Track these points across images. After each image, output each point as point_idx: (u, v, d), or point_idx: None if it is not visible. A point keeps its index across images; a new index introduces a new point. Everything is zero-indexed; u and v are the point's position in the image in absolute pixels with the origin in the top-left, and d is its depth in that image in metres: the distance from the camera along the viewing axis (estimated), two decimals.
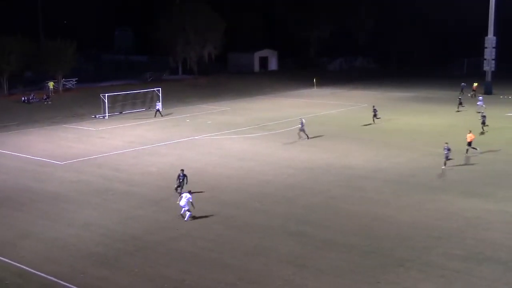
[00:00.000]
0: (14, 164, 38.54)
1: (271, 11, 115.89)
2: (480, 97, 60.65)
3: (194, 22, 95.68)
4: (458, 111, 58.75)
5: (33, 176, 35.43)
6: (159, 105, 58.94)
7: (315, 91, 79.57)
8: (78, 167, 37.60)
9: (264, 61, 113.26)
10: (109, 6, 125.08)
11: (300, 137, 44.93)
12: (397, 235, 25.12)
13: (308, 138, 44.69)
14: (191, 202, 26.90)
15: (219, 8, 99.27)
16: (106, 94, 59.27)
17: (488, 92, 71.97)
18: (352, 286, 20.37)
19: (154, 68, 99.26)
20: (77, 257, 23.02)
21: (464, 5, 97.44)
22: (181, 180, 30.66)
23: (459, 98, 60.92)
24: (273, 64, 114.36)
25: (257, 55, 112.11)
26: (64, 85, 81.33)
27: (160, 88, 64.45)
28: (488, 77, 73.72)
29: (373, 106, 53.80)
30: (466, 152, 39.01)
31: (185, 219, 27.00)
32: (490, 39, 72.86)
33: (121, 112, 60.84)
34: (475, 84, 70.79)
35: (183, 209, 27.10)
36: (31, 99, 70.24)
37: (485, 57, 73.96)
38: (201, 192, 30.77)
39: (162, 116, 57.75)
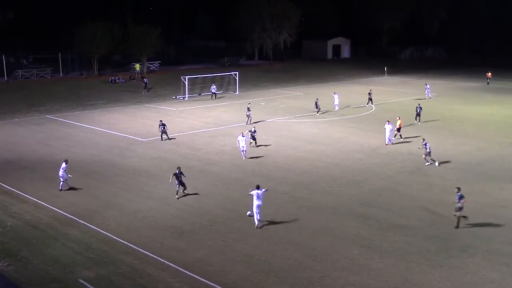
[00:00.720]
0: (101, 140, 41.26)
1: (345, 0, 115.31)
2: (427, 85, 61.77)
3: (271, 10, 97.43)
4: None
5: (118, 151, 37.82)
6: (214, 88, 60.77)
7: (385, 79, 79.43)
8: (158, 144, 39.77)
9: (337, 49, 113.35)
10: None
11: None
12: (461, 221, 25.37)
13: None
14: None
15: None
16: (187, 77, 61.66)
17: None
18: (415, 268, 20.96)
19: (232, 53, 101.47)
20: (156, 228, 24.67)
21: None
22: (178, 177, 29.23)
23: None
24: (345, 52, 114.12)
25: (331, 43, 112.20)
26: (148, 67, 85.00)
27: (237, 72, 66.39)
28: None
29: (369, 91, 56.65)
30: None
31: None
32: None
33: (200, 94, 63.03)
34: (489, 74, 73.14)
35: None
36: (118, 79, 74.16)
37: None
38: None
39: (216, 98, 59.72)
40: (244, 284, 19.83)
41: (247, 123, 46.24)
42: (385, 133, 39.68)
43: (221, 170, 33.51)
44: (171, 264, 21.20)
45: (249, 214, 25.72)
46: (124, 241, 23.25)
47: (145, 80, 66.95)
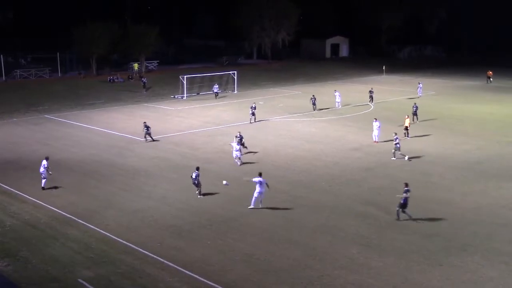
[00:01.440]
0: (100, 139, 41.24)
1: None
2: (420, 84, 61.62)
3: (270, 10, 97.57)
4: None
5: (117, 151, 37.81)
6: (216, 88, 60.82)
7: (384, 78, 79.52)
8: (157, 144, 39.76)
9: (335, 48, 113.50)
10: None
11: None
12: (460, 220, 25.48)
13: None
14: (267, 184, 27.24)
15: None
16: (185, 76, 61.66)
17: None
18: (414, 267, 20.98)
19: (231, 53, 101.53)
20: (155, 228, 24.66)
21: None
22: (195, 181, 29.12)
23: None
24: (344, 51, 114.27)
25: (329, 42, 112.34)
26: (146, 66, 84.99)
27: (235, 72, 66.36)
28: None
29: (371, 89, 57.23)
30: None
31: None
32: None
33: (198, 93, 63.04)
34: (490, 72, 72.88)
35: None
36: (116, 79, 74.17)
37: None
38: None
39: (217, 97, 59.77)
40: (244, 284, 19.84)
41: (250, 122, 46.74)
42: (373, 131, 39.87)
43: (220, 170, 33.51)
44: (170, 264, 21.19)
45: (225, 183, 27.99)
46: (124, 240, 23.25)
47: (144, 79, 66.91)
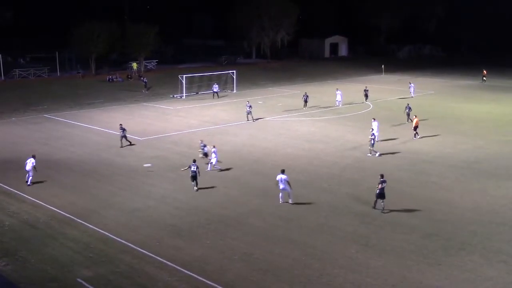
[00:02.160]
0: (99, 139, 41.23)
1: None
2: (412, 84, 61.47)
3: (269, 9, 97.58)
4: None
5: (116, 151, 37.81)
6: (216, 88, 60.82)
7: (383, 77, 79.60)
8: (156, 143, 39.77)
9: (334, 47, 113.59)
10: None
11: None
12: (459, 219, 25.50)
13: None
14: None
15: None
16: (184, 76, 61.67)
17: None
18: (413, 266, 20.99)
19: (230, 52, 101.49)
20: (154, 227, 24.66)
21: None
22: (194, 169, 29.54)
23: None
24: (343, 51, 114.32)
25: (328, 41, 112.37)
26: (145, 66, 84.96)
27: (234, 71, 66.37)
28: None
29: (365, 87, 57.54)
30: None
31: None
32: None
33: (197, 93, 63.04)
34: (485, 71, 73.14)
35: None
36: (115, 78, 74.16)
37: None
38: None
39: (218, 97, 59.67)
40: (243, 283, 19.85)
41: (248, 120, 46.89)
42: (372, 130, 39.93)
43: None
44: (169, 263, 21.19)
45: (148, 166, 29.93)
46: (123, 240, 23.26)
47: (144, 79, 66.89)
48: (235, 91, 64.60)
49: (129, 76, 77.19)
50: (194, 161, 29.85)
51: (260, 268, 20.87)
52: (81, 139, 41.03)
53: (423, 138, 40.92)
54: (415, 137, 40.62)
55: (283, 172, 27.45)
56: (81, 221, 25.19)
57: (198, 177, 29.30)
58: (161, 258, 21.61)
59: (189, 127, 45.18)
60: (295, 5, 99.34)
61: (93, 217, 25.71)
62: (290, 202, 27.43)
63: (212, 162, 32.82)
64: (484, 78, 73.12)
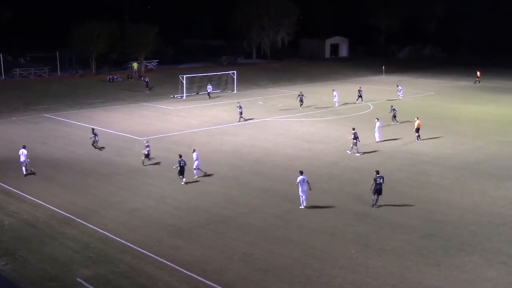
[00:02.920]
0: (99, 139, 41.07)
1: None
2: (400, 87, 61.18)
3: (269, 9, 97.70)
4: None
5: (116, 150, 37.83)
6: (209, 88, 60.80)
7: (383, 78, 79.59)
8: (156, 143, 39.69)
9: (335, 48, 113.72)
10: None
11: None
12: (459, 220, 25.50)
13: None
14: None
15: None
16: (184, 76, 61.68)
17: None
18: (413, 267, 20.99)
19: (230, 52, 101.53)
20: (154, 227, 24.65)
21: None
22: (181, 165, 30.32)
23: None
24: (343, 51, 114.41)
25: (328, 42, 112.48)
26: (146, 66, 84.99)
27: (235, 71, 66.37)
28: None
29: (359, 88, 57.55)
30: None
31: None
32: None
33: (197, 93, 63.03)
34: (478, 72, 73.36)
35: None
36: (115, 78, 74.18)
37: None
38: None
39: (209, 98, 59.53)
40: (243, 283, 19.84)
41: (239, 121, 46.99)
42: (375, 130, 39.94)
43: (219, 169, 33.50)
44: (169, 263, 21.19)
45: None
46: (122, 240, 23.26)
47: (146, 79, 66.88)
48: (235, 92, 64.61)
49: (130, 76, 77.27)
50: (180, 156, 30.64)
51: (260, 268, 20.86)
52: (81, 139, 40.99)
53: (424, 138, 40.89)
54: (417, 139, 40.48)
55: (301, 173, 27.13)
56: (80, 221, 25.19)
57: (185, 171, 30.11)
58: (161, 258, 21.60)
59: (189, 127, 45.18)
60: (295, 5, 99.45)
61: (93, 217, 25.70)
62: (304, 206, 27.01)
63: (194, 167, 31.67)
64: (478, 79, 73.05)
